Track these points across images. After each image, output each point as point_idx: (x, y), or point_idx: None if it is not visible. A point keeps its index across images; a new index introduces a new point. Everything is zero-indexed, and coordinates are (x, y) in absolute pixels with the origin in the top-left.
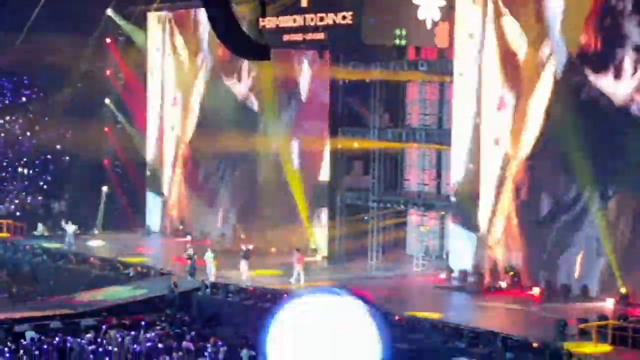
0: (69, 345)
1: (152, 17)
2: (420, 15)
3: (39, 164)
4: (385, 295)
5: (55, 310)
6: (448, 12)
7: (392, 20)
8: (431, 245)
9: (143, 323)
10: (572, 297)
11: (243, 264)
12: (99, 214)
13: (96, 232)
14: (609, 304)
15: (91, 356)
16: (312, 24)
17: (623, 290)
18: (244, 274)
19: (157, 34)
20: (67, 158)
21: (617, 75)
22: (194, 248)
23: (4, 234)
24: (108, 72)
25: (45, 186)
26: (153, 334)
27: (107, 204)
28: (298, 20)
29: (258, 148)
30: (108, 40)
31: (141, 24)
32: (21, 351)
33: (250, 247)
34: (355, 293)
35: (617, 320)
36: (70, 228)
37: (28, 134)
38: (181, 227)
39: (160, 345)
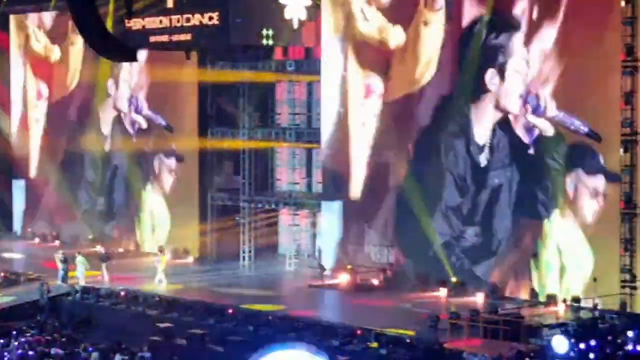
0: None
1: (14, 19)
2: (287, 14)
3: None
4: (259, 295)
5: None
6: (314, 11)
7: (259, 20)
8: (303, 244)
9: (13, 330)
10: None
11: (103, 267)
12: None
13: None
14: (479, 298)
15: None
16: (179, 24)
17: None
18: (106, 277)
19: (19, 35)
20: None
21: None
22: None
23: None
24: None
25: None
26: (23, 340)
27: None
28: (164, 21)
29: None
30: None
31: (5, 26)
32: None
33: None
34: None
35: (488, 314)
36: None
37: None
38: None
39: (30, 352)
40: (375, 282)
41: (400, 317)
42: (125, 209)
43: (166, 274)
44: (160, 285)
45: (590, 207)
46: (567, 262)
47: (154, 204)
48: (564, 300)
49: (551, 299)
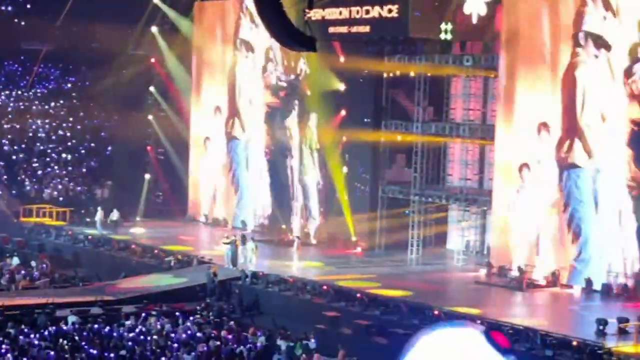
0: (109, 331)
1: (198, 6)
2: (467, 9)
3: (82, 150)
4: (425, 289)
5: (96, 296)
6: (494, 6)
7: (438, 14)
8: (472, 240)
9: (182, 312)
10: (612, 296)
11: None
12: (141, 201)
13: (138, 219)
14: None
15: (130, 343)
16: (358, 16)
17: None
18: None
19: (202, 23)
20: (111, 145)
21: None
22: (235, 236)
23: (47, 219)
24: (153, 60)
25: (88, 172)
26: (192, 322)
27: (150, 191)
28: (344, 12)
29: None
30: (154, 28)
31: (187, 12)
32: (62, 336)
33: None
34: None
35: None
36: (100, 214)
37: (72, 120)
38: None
39: (199, 334)
40: (544, 282)
41: (568, 319)
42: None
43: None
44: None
45: None
46: None
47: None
48: None
49: None
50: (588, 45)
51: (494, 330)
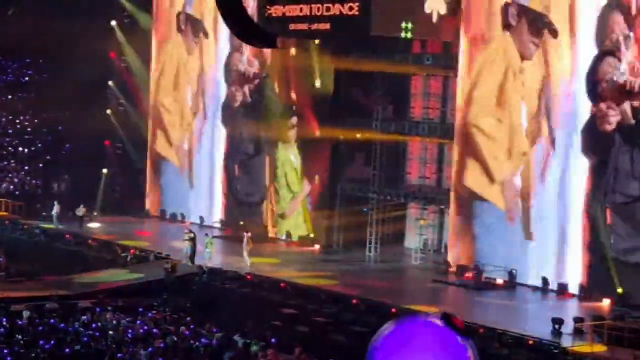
0: (64, 326)
1: (159, 1)
2: (427, 8)
3: (39, 143)
4: (383, 287)
5: (51, 291)
6: (454, 5)
7: (399, 13)
8: (430, 239)
9: (139, 307)
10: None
11: (245, 252)
12: (99, 196)
13: (95, 214)
14: (604, 304)
15: (85, 338)
16: (318, 13)
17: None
18: (247, 261)
19: (163, 18)
20: (68, 139)
21: None
22: (194, 232)
23: (3, 213)
24: (112, 54)
25: (45, 166)
26: (149, 318)
27: (107, 185)
28: (304, 9)
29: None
30: (113, 22)
31: (146, 5)
32: (17, 331)
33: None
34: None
35: (614, 321)
36: (57, 208)
37: (30, 113)
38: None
39: (155, 329)
40: (500, 281)
41: (524, 318)
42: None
43: (250, 254)
44: (246, 263)
45: None
46: None
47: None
48: None
49: None
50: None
51: (452, 315)
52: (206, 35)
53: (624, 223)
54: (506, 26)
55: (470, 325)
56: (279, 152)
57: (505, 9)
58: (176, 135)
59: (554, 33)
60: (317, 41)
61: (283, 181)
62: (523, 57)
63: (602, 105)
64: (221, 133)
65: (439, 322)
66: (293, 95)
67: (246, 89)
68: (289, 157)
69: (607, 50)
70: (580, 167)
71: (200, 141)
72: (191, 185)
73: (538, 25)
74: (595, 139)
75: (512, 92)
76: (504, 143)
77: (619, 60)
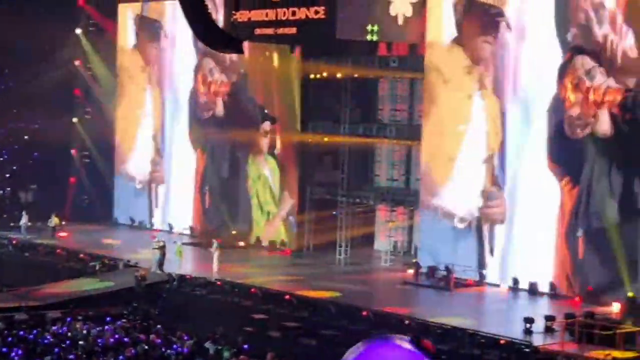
0: (34, 337)
1: (123, 9)
2: (393, 11)
3: (6, 153)
4: (353, 290)
5: (20, 301)
6: (420, 8)
7: (365, 16)
8: (399, 241)
9: (109, 316)
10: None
11: (215, 258)
12: (66, 205)
13: (63, 223)
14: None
15: (56, 349)
16: (284, 18)
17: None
18: (215, 267)
19: (127, 26)
20: (35, 148)
21: None
22: (163, 240)
23: None
24: (77, 63)
25: (12, 177)
26: (119, 326)
27: (75, 194)
28: (270, 14)
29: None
30: (78, 30)
31: (112, 15)
32: None
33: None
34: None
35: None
36: (25, 218)
37: None
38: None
39: (126, 338)
40: (471, 281)
41: (495, 318)
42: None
43: (220, 261)
44: (215, 270)
45: None
46: None
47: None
48: None
49: None
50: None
51: (421, 338)
52: (166, 36)
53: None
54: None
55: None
56: (250, 168)
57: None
58: (141, 146)
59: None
60: (285, 46)
61: (255, 201)
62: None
63: (572, 112)
64: (189, 152)
65: (408, 345)
66: (264, 101)
67: (217, 98)
68: (262, 171)
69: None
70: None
71: (165, 155)
72: (156, 202)
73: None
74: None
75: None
76: (469, 146)
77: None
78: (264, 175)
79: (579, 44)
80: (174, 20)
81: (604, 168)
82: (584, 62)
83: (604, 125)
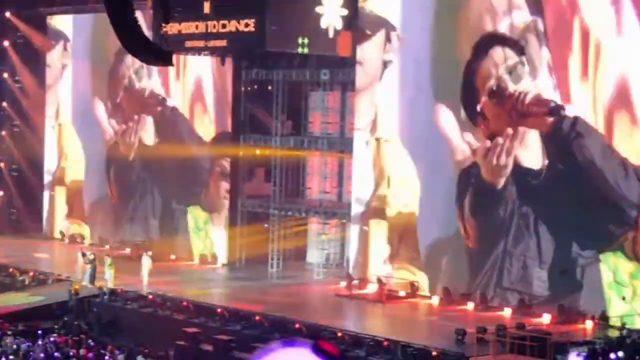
0: None
1: (52, 21)
2: (323, 23)
3: None
4: (286, 303)
5: None
6: (350, 21)
7: (295, 28)
8: (332, 253)
9: (39, 331)
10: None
11: (145, 271)
12: None
13: None
14: (506, 313)
15: None
16: (215, 30)
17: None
18: (145, 280)
19: (55, 38)
20: None
21: None
22: (94, 254)
23: None
24: (5, 75)
25: None
26: (50, 341)
27: (3, 208)
28: (200, 26)
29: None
30: (6, 42)
31: (41, 27)
32: None
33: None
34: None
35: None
36: None
37: None
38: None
39: (57, 353)
40: (403, 293)
41: (427, 330)
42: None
43: (150, 274)
44: (146, 283)
45: None
46: None
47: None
48: (592, 318)
49: (579, 317)
50: None
51: (321, 341)
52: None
53: None
54: None
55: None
56: None
57: None
58: (71, 159)
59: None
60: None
61: (188, 214)
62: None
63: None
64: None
65: (309, 352)
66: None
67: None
68: None
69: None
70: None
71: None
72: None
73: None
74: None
75: None
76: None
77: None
78: None
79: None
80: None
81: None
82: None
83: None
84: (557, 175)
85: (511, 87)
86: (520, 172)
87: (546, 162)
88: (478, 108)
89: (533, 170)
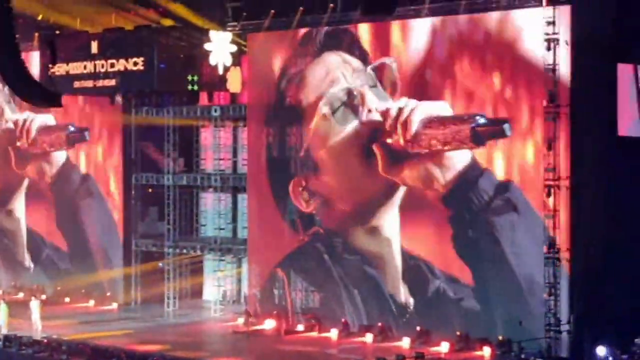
0: None
1: None
2: (212, 60)
3: None
4: (183, 342)
5: None
6: (239, 56)
7: (184, 66)
8: (228, 290)
9: None
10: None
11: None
12: None
13: None
14: (405, 343)
15: None
16: (103, 70)
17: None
18: (38, 326)
19: None
20: None
21: None
22: None
23: None
24: None
25: None
26: None
27: None
28: (88, 66)
29: None
30: None
31: None
32: None
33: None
34: None
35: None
36: None
37: None
38: None
39: None
40: (301, 327)
41: None
42: None
43: (42, 317)
44: (36, 330)
45: None
46: None
47: None
48: (490, 344)
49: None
50: None
51: None
52: None
53: None
54: None
55: None
56: None
57: None
58: None
59: None
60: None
61: None
62: None
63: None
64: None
65: None
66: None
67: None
68: None
69: None
70: None
71: None
72: None
73: None
74: None
75: None
76: None
77: None
78: None
79: None
80: None
81: None
82: None
83: None
84: None
85: None
86: None
87: None
88: None
89: None
